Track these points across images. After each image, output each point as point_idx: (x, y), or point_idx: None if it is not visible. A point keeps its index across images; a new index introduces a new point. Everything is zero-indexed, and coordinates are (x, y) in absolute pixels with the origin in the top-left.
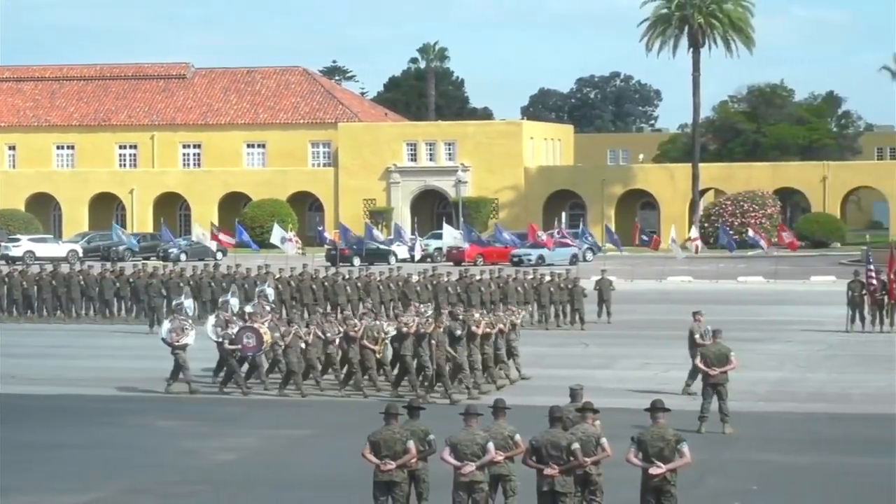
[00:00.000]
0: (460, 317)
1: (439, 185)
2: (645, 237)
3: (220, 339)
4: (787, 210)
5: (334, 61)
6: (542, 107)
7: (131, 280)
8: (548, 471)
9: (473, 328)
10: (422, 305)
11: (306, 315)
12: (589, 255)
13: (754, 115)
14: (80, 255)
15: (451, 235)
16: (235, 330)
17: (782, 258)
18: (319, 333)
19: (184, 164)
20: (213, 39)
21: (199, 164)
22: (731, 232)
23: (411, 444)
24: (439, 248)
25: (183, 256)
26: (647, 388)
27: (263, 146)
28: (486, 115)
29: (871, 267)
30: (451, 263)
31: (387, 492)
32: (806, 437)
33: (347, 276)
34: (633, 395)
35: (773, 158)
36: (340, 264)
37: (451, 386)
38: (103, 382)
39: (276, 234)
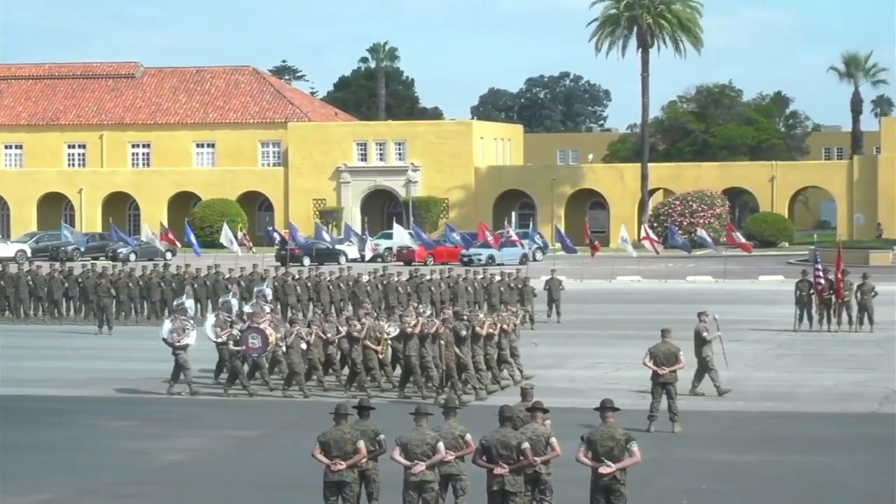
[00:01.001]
0: (465, 317)
1: (389, 184)
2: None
3: (222, 340)
4: (736, 210)
5: (284, 61)
6: (492, 107)
7: (80, 280)
8: (498, 470)
9: (478, 328)
10: (420, 306)
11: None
12: (539, 255)
13: (703, 116)
14: (29, 255)
15: (401, 235)
16: (239, 330)
17: (731, 258)
18: (321, 333)
19: (133, 164)
20: (162, 39)
21: (148, 164)
22: (679, 232)
23: (361, 444)
24: (389, 248)
25: (132, 256)
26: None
27: (213, 146)
28: (436, 114)
29: (819, 266)
30: (402, 263)
31: (337, 492)
32: (754, 435)
33: (297, 277)
34: (584, 395)
35: (721, 158)
36: (290, 264)
37: (459, 387)
38: (52, 383)
39: (226, 235)
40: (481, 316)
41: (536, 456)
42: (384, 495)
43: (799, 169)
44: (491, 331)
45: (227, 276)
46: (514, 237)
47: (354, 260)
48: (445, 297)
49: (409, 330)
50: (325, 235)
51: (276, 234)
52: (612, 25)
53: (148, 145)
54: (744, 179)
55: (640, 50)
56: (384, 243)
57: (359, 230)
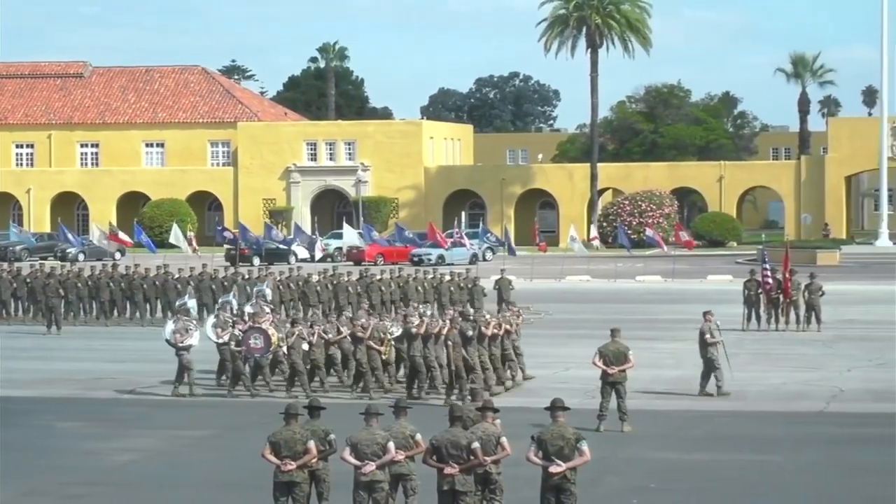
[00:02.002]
0: (471, 317)
1: (339, 184)
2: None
3: (223, 341)
4: (685, 209)
5: (233, 60)
6: (442, 106)
7: (28, 280)
8: (448, 470)
9: (483, 329)
10: (421, 306)
11: (205, 314)
12: (489, 255)
13: (652, 116)
14: None
15: (350, 235)
16: (241, 331)
17: (680, 257)
18: (322, 334)
19: (81, 164)
20: (111, 38)
21: (97, 164)
22: (629, 231)
23: (311, 445)
24: (339, 248)
25: (81, 256)
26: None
27: (162, 145)
28: (385, 114)
29: (767, 266)
30: (352, 263)
31: (287, 492)
32: (703, 434)
33: (247, 277)
34: (533, 395)
35: (670, 158)
36: (240, 264)
37: (466, 388)
38: (0, 384)
39: (176, 234)
40: (487, 316)
41: (486, 455)
42: (334, 495)
43: (747, 169)
44: (496, 331)
45: (177, 276)
46: (463, 238)
47: (304, 260)
48: (395, 296)
49: (413, 330)
50: (275, 235)
51: (226, 234)
52: (562, 26)
53: (97, 145)
54: (692, 179)
55: (588, 50)
56: (334, 243)
57: (308, 230)
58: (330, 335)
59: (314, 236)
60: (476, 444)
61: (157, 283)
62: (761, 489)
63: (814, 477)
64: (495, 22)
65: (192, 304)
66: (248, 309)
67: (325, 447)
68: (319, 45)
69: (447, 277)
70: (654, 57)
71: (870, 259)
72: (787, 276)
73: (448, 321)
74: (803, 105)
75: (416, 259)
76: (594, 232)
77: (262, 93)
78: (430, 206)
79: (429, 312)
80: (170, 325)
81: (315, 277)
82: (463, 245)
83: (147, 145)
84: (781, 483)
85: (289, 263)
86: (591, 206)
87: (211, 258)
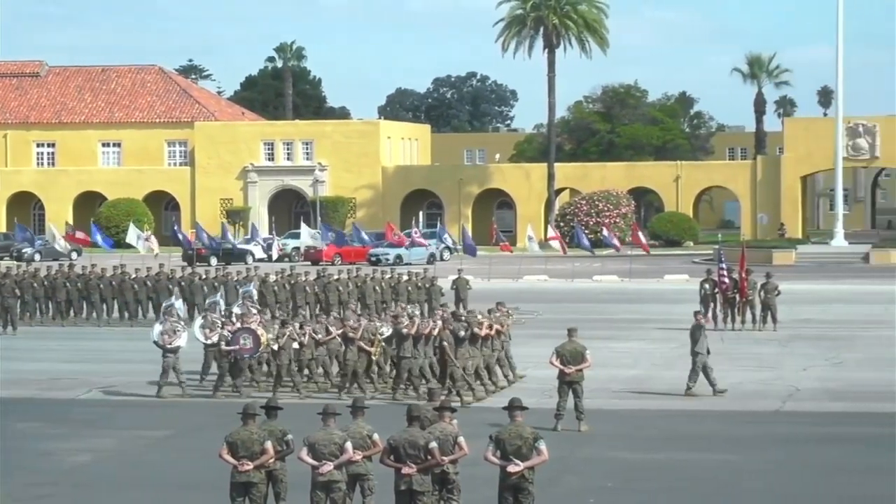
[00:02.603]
0: (463, 318)
1: (297, 184)
2: (500, 242)
3: (211, 341)
4: (642, 209)
5: (190, 60)
6: (400, 106)
7: None
8: (405, 469)
9: (476, 330)
10: (409, 306)
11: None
12: (446, 255)
13: (608, 116)
14: None
15: (308, 235)
16: (230, 331)
17: (636, 257)
18: (313, 334)
19: (38, 164)
20: (67, 38)
21: (53, 164)
22: (586, 231)
23: (269, 445)
24: (297, 248)
25: (37, 256)
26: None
27: (119, 145)
28: (343, 114)
29: (723, 265)
30: (309, 263)
31: (244, 492)
32: (660, 434)
33: (204, 276)
34: (491, 394)
35: (627, 158)
36: (197, 264)
37: (464, 389)
38: None
39: (132, 234)
40: (480, 317)
41: (444, 455)
42: (291, 495)
43: (703, 169)
44: (489, 332)
45: (134, 276)
46: (421, 238)
47: (261, 260)
48: (353, 296)
49: (404, 331)
50: (232, 235)
51: (181, 235)
52: (519, 26)
53: (53, 145)
54: (649, 179)
55: (546, 50)
56: (291, 243)
57: (266, 230)
58: (319, 335)
59: (271, 236)
60: (433, 444)
61: (113, 283)
62: (718, 488)
63: (770, 476)
64: (453, 22)
65: (178, 304)
66: (235, 310)
67: (283, 447)
68: (277, 45)
69: (405, 277)
70: (611, 57)
71: (825, 259)
72: (744, 275)
73: (440, 322)
74: (759, 105)
75: (373, 259)
76: (552, 232)
77: (219, 92)
78: (388, 206)
79: (416, 313)
80: (157, 327)
81: (272, 277)
82: (422, 244)
83: (104, 145)
84: (738, 482)
85: (246, 263)
86: (549, 205)
87: (168, 258)
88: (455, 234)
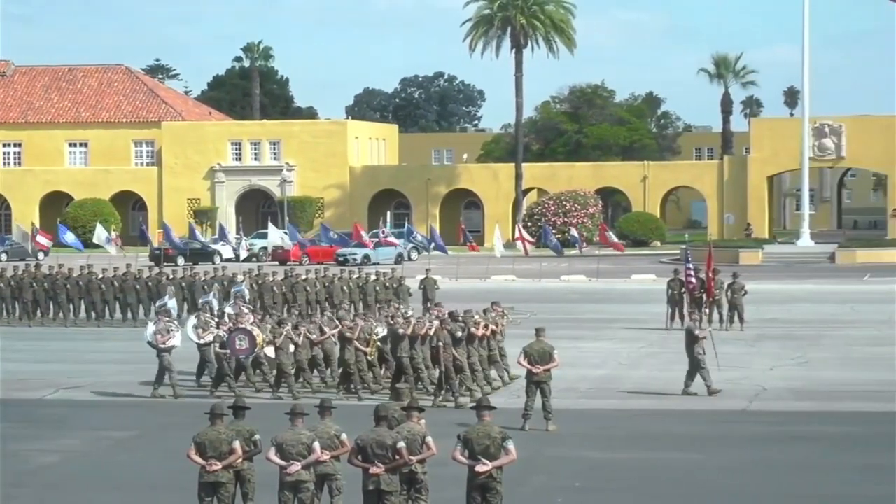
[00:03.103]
0: (460, 318)
1: (264, 184)
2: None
3: (204, 341)
4: (609, 209)
5: (157, 60)
6: (367, 106)
7: None
8: (373, 469)
9: (473, 329)
10: (402, 306)
11: (130, 315)
12: (414, 255)
13: (576, 116)
14: None
15: (276, 235)
16: (226, 331)
17: (604, 257)
18: (308, 334)
19: (4, 163)
20: (33, 37)
21: (19, 163)
22: (553, 231)
23: (237, 445)
24: (264, 248)
25: (3, 256)
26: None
27: (86, 145)
28: (310, 114)
29: (690, 265)
30: (277, 263)
31: (212, 492)
32: (628, 433)
33: (171, 276)
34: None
35: (594, 158)
36: (164, 264)
37: (457, 389)
38: None
39: (99, 234)
40: (477, 317)
41: (412, 455)
42: (259, 496)
43: (670, 169)
44: (485, 332)
45: (101, 276)
46: (390, 238)
47: (229, 260)
48: (321, 296)
49: (400, 331)
50: (199, 235)
51: (147, 235)
52: (486, 26)
53: (19, 144)
54: (616, 179)
55: (513, 50)
56: (259, 243)
57: (233, 230)
58: (314, 335)
59: (239, 236)
60: (401, 444)
61: (80, 283)
62: (685, 487)
63: (737, 475)
64: (420, 22)
65: (172, 304)
66: (228, 310)
67: (251, 447)
68: (244, 45)
69: (373, 277)
70: (578, 57)
71: (792, 258)
72: (711, 275)
73: (437, 322)
74: (726, 105)
75: (341, 259)
76: (522, 233)
77: (186, 92)
78: (356, 206)
79: (409, 313)
80: (151, 327)
81: (240, 277)
82: (390, 245)
83: (70, 145)
84: (705, 481)
85: (213, 263)
86: (516, 205)
87: (135, 258)
88: (423, 233)
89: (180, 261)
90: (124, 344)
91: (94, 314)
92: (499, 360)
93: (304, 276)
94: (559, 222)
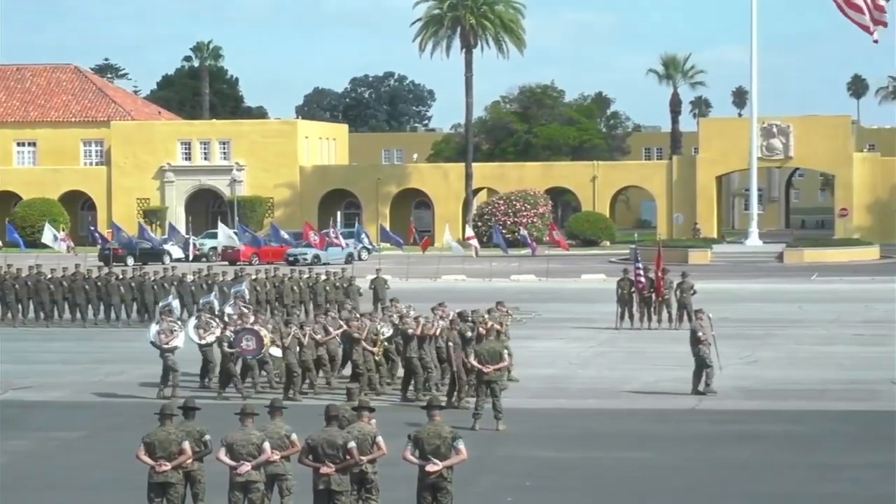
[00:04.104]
0: (469, 318)
1: (214, 184)
2: (418, 242)
3: (206, 342)
4: (559, 209)
5: (106, 59)
6: (317, 106)
7: None
8: (324, 469)
9: (481, 329)
10: (402, 306)
11: (79, 315)
12: (364, 254)
13: (526, 116)
14: None
15: (225, 235)
16: (233, 332)
17: (553, 257)
18: (313, 334)
19: None
20: None
21: None
22: (503, 231)
23: (186, 445)
24: (214, 248)
25: None
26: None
27: (34, 144)
28: (260, 114)
29: (639, 265)
30: (226, 263)
31: (162, 493)
32: (578, 432)
33: (121, 276)
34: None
35: (544, 158)
36: (114, 264)
37: (464, 390)
38: None
39: (48, 234)
40: (485, 316)
41: (363, 455)
42: (209, 496)
43: (620, 169)
44: (498, 330)
45: (50, 276)
46: (339, 238)
47: (179, 260)
48: (271, 296)
49: (410, 331)
50: (149, 235)
51: (97, 235)
52: (436, 26)
53: None
54: (566, 179)
55: (463, 50)
56: (209, 243)
57: (183, 230)
58: (319, 336)
59: (188, 236)
60: (352, 444)
61: (28, 283)
62: (635, 486)
63: (686, 473)
64: (370, 22)
65: (175, 304)
66: (227, 310)
67: (200, 448)
68: (193, 45)
69: (323, 277)
70: (528, 57)
71: (740, 258)
72: (660, 274)
73: (441, 322)
74: (675, 106)
75: (291, 259)
76: (469, 232)
77: (135, 92)
78: (306, 206)
79: (412, 313)
80: (154, 327)
81: (190, 277)
82: (339, 245)
83: (18, 144)
84: (654, 479)
85: (163, 263)
86: (466, 205)
87: (84, 258)
88: (373, 234)
89: (129, 261)
90: (74, 344)
91: (42, 314)
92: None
93: (254, 276)
94: (509, 222)
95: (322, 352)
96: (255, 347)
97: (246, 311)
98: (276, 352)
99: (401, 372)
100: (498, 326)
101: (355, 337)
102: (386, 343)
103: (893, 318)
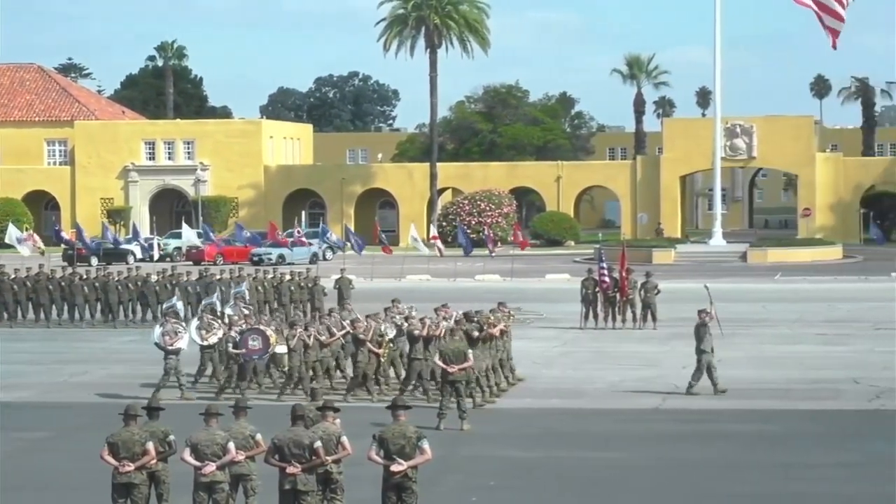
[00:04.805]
0: (475, 318)
1: (178, 183)
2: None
3: (208, 343)
4: (523, 209)
5: (70, 58)
6: (282, 106)
7: None
8: (290, 469)
9: (490, 330)
10: (404, 306)
11: (42, 316)
12: (329, 254)
13: (490, 116)
14: None
15: (189, 235)
16: (238, 332)
17: (518, 256)
18: (317, 336)
19: None
20: None
21: None
22: (468, 231)
23: (150, 446)
24: (178, 248)
25: None
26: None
27: None
28: (225, 113)
29: (604, 265)
30: (191, 263)
31: (126, 494)
32: (542, 432)
33: (84, 277)
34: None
35: (508, 158)
36: (77, 264)
37: (478, 390)
38: None
39: (11, 234)
40: (493, 317)
41: (328, 455)
42: (174, 496)
43: (584, 169)
44: (500, 331)
45: (13, 276)
46: (302, 238)
47: (143, 260)
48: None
49: (416, 333)
50: (111, 235)
51: (62, 234)
52: (401, 26)
53: None
54: (530, 179)
55: (427, 50)
56: (173, 243)
57: (147, 230)
58: (323, 337)
59: (152, 236)
60: (318, 444)
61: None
62: (599, 486)
63: (650, 473)
64: (335, 22)
65: (179, 305)
66: (228, 311)
67: (164, 448)
68: (158, 44)
69: (287, 277)
70: (492, 57)
71: (704, 258)
72: (624, 274)
73: (445, 322)
74: (639, 106)
75: (255, 259)
76: (434, 232)
77: (99, 91)
78: (270, 206)
79: (414, 313)
80: (158, 329)
81: (154, 277)
82: (303, 244)
83: None
84: (619, 479)
85: (127, 263)
86: (431, 205)
87: (48, 258)
88: (337, 234)
89: (93, 261)
90: (38, 344)
91: (6, 315)
92: (506, 361)
93: (218, 276)
94: (474, 222)
95: (326, 353)
96: (262, 347)
97: (247, 311)
98: (282, 349)
99: (397, 373)
100: (503, 327)
101: (360, 338)
102: (391, 344)
103: (856, 317)
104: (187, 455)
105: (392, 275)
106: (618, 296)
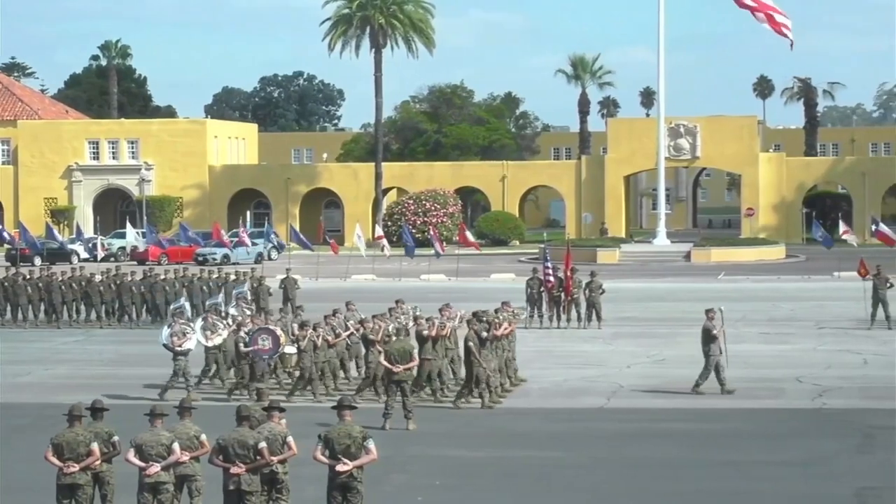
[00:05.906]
0: (484, 318)
1: (123, 183)
2: (328, 241)
3: (211, 343)
4: (468, 209)
5: (13, 58)
6: (226, 105)
7: None
8: (234, 469)
9: (496, 331)
10: (407, 306)
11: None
12: (274, 254)
13: (435, 116)
14: None
15: (134, 235)
16: (247, 332)
17: (463, 256)
18: (327, 337)
19: None
20: None
21: None
22: (413, 231)
23: (95, 446)
24: (123, 248)
25: None
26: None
27: None
28: (169, 113)
29: (549, 264)
30: (135, 263)
31: (70, 495)
32: (486, 431)
33: (28, 277)
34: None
35: (453, 158)
36: (21, 264)
37: (473, 391)
38: None
39: None
40: (500, 317)
41: (273, 455)
42: (119, 497)
43: (529, 168)
44: (505, 332)
45: None
46: (246, 238)
47: (87, 259)
48: (180, 296)
49: (425, 333)
50: (57, 235)
51: (5, 234)
52: (346, 25)
53: None
54: (475, 179)
55: (372, 50)
56: (117, 243)
57: (91, 230)
58: (330, 337)
59: (95, 236)
60: (263, 444)
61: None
62: (544, 485)
63: (595, 472)
64: (280, 21)
65: (187, 306)
66: (231, 311)
67: (109, 449)
68: (101, 43)
69: (232, 277)
70: (437, 57)
71: (648, 257)
72: (569, 274)
73: (449, 323)
74: (583, 106)
75: (200, 259)
76: (379, 232)
77: (42, 91)
78: (215, 206)
79: (418, 313)
80: (166, 330)
81: (98, 277)
82: (245, 245)
83: None
84: (564, 478)
85: (71, 263)
86: (376, 205)
87: None
88: (282, 233)
89: (37, 261)
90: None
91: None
92: (511, 362)
93: (163, 276)
94: (419, 222)
95: (332, 354)
96: (272, 346)
97: (249, 312)
98: (290, 349)
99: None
100: (509, 326)
101: (370, 339)
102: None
103: (799, 316)
104: (132, 456)
105: (337, 274)
106: (563, 295)
